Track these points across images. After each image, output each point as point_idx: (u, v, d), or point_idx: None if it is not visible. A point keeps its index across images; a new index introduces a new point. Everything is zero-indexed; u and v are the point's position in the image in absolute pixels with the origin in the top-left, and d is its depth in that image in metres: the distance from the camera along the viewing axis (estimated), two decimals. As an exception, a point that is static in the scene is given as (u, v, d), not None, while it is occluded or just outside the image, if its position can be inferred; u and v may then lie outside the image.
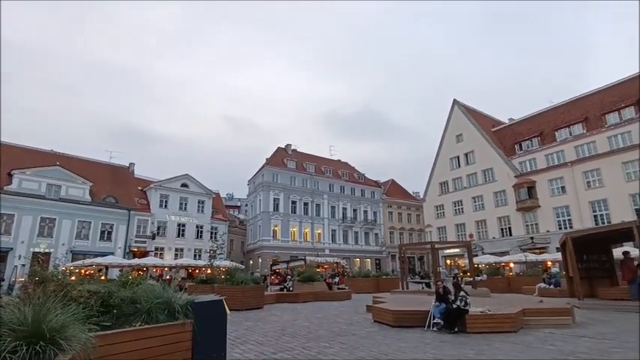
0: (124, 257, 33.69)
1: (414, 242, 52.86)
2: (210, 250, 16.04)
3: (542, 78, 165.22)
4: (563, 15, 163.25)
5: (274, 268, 32.43)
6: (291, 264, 29.45)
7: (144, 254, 35.94)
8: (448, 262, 42.36)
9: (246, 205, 60.29)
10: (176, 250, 41.04)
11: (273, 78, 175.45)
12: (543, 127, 40.42)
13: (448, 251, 41.05)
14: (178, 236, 41.85)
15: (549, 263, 28.18)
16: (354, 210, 53.84)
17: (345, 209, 52.86)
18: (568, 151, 36.21)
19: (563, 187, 35.50)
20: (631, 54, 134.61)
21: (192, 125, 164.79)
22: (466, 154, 45.47)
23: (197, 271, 28.04)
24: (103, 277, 20.70)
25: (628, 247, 15.86)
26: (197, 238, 43.06)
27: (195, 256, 40.35)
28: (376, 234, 54.82)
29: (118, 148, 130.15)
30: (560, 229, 33.22)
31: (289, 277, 21.73)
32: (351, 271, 36.86)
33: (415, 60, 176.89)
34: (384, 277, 26.04)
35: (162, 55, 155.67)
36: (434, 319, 8.36)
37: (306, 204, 49.77)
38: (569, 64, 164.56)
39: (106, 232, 36.81)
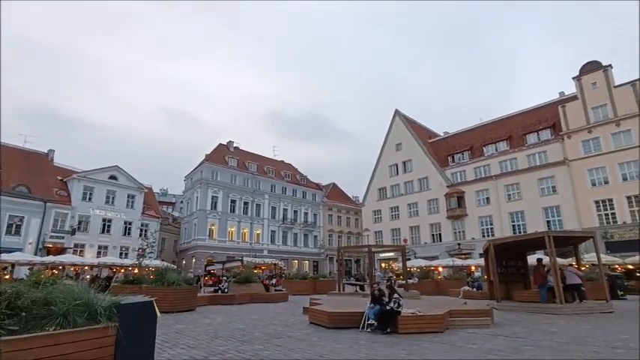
0: (35, 254, 30.26)
1: (352, 245, 54.24)
2: (140, 249, 14.99)
3: (476, 97, 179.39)
4: (493, 40, 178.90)
5: (209, 268, 31.27)
6: (228, 265, 28.59)
7: (61, 251, 32.64)
8: (383, 265, 44.01)
9: (182, 202, 57.51)
10: (99, 247, 37.82)
11: (218, 72, 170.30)
12: (473, 142, 43.77)
13: (384, 255, 42.67)
14: (103, 232, 38.62)
15: (473, 268, 30.45)
16: (295, 211, 53.85)
17: (285, 210, 52.66)
18: (493, 166, 39.60)
19: (488, 199, 38.71)
20: (549, 82, 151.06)
21: (127, 115, 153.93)
22: (404, 163, 47.76)
23: (123, 270, 26.06)
24: (7, 277, 18.38)
25: (540, 254, 17.65)
26: (125, 235, 40.10)
27: (121, 254, 37.51)
28: (315, 236, 55.32)
29: (35, 132, 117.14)
30: (484, 236, 36.22)
31: (225, 278, 21.04)
32: (289, 272, 36.75)
33: (362, 68, 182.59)
34: (321, 279, 26.26)
35: (96, 38, 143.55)
36: (368, 320, 8.53)
37: (246, 203, 48.71)
38: (498, 87, 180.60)
39: (15, 225, 32.62)
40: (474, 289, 19.58)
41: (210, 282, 26.99)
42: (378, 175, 50.72)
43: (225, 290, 16.91)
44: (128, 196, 41.44)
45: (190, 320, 10.43)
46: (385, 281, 21.55)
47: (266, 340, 7.49)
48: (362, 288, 20.98)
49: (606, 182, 31.67)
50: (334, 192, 62.15)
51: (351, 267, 53.90)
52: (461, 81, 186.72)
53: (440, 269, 33.23)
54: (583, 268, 16.21)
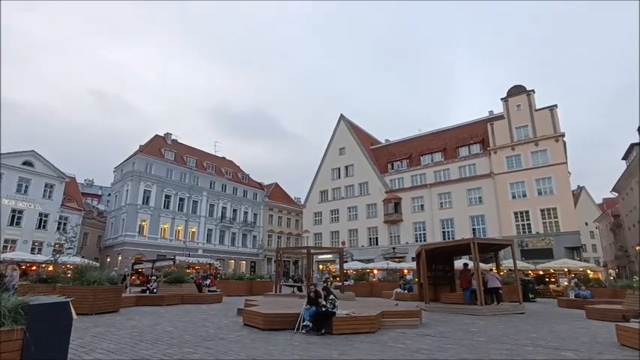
0: None
1: (291, 246, 54.16)
2: (56, 244, 13.53)
3: (416, 109, 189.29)
4: (434, 57, 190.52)
5: (137, 267, 29.33)
6: (158, 263, 27.03)
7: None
8: (321, 267, 44.51)
9: (110, 194, 53.27)
10: (6, 241, 33.69)
11: (159, 60, 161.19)
12: (412, 151, 46.05)
13: (322, 257, 43.17)
14: (11, 224, 34.52)
15: (406, 271, 31.95)
16: (235, 210, 52.50)
17: (224, 208, 51.12)
18: (429, 175, 41.98)
19: (422, 206, 40.90)
20: (481, 100, 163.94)
21: (48, 95, 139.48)
22: (347, 167, 48.85)
23: (34, 268, 23.44)
24: None
25: (466, 259, 18.97)
26: (39, 228, 36.23)
27: (34, 249, 33.79)
28: (254, 236, 54.37)
29: None
30: (417, 241, 38.18)
31: (154, 277, 19.81)
32: (224, 273, 35.67)
33: (311, 73, 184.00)
34: (258, 280, 25.81)
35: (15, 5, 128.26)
36: (303, 322, 8.50)
37: (182, 199, 46.43)
38: (437, 101, 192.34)
39: None
40: (406, 291, 20.49)
41: (138, 282, 25.35)
42: (320, 178, 51.33)
43: (154, 290, 15.89)
44: (46, 186, 37.49)
45: (112, 323, 9.61)
46: (322, 283, 21.80)
47: (196, 342, 7.13)
48: (299, 289, 20.96)
49: (524, 195, 35.06)
50: (276, 192, 61.68)
51: (289, 268, 53.79)
52: (404, 93, 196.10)
53: (375, 272, 34.37)
54: (502, 273, 17.71)
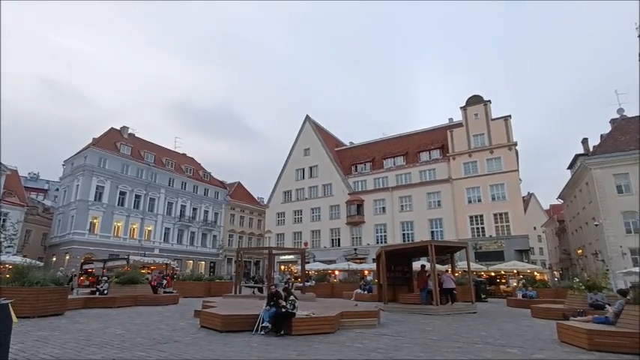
0: None
1: (252, 247, 53.45)
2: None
3: (381, 113, 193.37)
4: (399, 64, 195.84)
5: (86, 267, 27.80)
6: (110, 263, 25.77)
7: None
8: (282, 267, 44.26)
9: (58, 189, 49.95)
10: None
11: (118, 50, 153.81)
12: (375, 154, 46.95)
13: (284, 257, 42.94)
14: (-57, 220, 31.52)
15: (366, 272, 32.46)
16: (194, 209, 51.02)
17: (184, 207, 49.55)
18: (391, 178, 42.99)
19: (384, 208, 41.78)
20: (443, 107, 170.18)
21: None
22: (311, 168, 48.95)
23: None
24: None
25: (424, 261, 19.57)
26: (-25, 224, 33.24)
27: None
28: (215, 236, 53.11)
29: None
30: (378, 243, 38.94)
31: (104, 278, 18.81)
32: (182, 273, 34.58)
33: (278, 72, 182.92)
34: (217, 280, 25.21)
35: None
36: (263, 323, 8.41)
37: (138, 197, 44.44)
38: (400, 106, 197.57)
39: None
40: (365, 292, 20.82)
41: (87, 282, 23.98)
42: (284, 178, 51.07)
43: (105, 292, 15.09)
44: (-16, 178, 34.58)
45: (57, 326, 9.01)
46: (283, 283, 21.68)
47: (150, 346, 6.84)
48: (260, 290, 20.74)
49: (479, 200, 36.79)
50: (239, 191, 60.62)
51: (249, 269, 53.04)
52: (369, 97, 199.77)
53: (336, 273, 34.67)
54: (456, 274, 18.43)
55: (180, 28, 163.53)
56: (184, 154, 56.83)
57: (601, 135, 36.92)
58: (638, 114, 36.17)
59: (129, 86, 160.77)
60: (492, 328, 10.17)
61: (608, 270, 17.96)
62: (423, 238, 34.34)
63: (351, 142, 55.49)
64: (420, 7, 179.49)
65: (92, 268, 27.24)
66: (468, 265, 16.64)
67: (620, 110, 38.16)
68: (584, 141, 39.18)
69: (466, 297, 16.42)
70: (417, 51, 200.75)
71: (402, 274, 18.03)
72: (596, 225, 31.38)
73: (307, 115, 51.99)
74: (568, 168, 41.05)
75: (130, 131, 48.91)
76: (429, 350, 6.94)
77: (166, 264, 30.41)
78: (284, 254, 41.58)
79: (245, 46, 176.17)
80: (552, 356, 6.61)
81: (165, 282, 20.23)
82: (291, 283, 23.89)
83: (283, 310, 8.39)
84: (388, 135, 50.97)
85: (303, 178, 49.43)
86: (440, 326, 10.40)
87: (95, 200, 40.26)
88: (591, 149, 36.30)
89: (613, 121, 37.13)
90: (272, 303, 8.62)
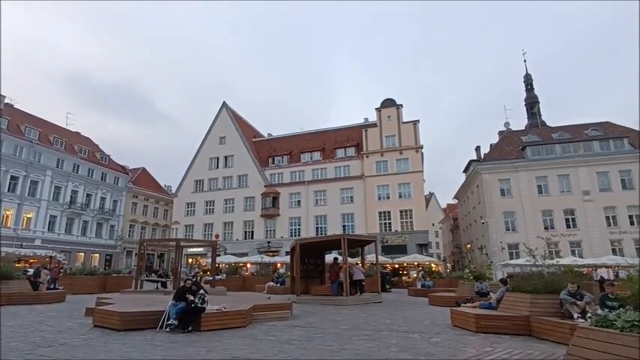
0: None
1: (157, 238, 49.66)
2: None
3: (300, 107, 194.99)
4: (320, 60, 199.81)
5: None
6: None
7: None
8: (190, 260, 42.08)
9: None
10: None
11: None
12: (293, 148, 47.13)
13: (192, 250, 40.81)
14: None
15: (279, 265, 32.48)
16: (89, 195, 45.36)
17: (75, 192, 43.65)
18: (307, 172, 43.60)
19: (299, 201, 42.22)
20: (360, 107, 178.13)
21: None
22: (226, 157, 47.22)
23: None
24: None
25: (335, 254, 20.21)
26: None
27: None
28: (112, 226, 48.01)
29: None
30: (292, 236, 39.22)
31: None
32: (70, 267, 30.62)
33: (193, 53, 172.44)
34: (114, 275, 22.85)
35: None
36: (168, 320, 7.79)
37: (14, 178, 37.81)
38: (319, 102, 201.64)
39: None
40: (278, 285, 20.80)
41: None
42: (196, 166, 48.36)
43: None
44: None
45: None
46: (191, 277, 20.50)
47: (29, 350, 5.82)
48: (164, 285, 19.42)
49: (388, 197, 39.33)
50: (143, 178, 55.54)
51: (153, 262, 49.26)
52: (289, 90, 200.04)
53: (249, 266, 34.07)
54: (365, 267, 19.39)
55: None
56: (78, 133, 50.07)
57: (491, 144, 42.30)
58: (522, 128, 42.33)
59: (6, 46, 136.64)
60: (396, 316, 10.89)
61: (491, 262, 20.54)
62: (335, 232, 35.53)
63: (270, 134, 54.90)
64: (344, 7, 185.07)
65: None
66: (377, 258, 17.65)
67: (507, 124, 44.29)
68: (477, 148, 44.42)
69: (373, 288, 17.39)
70: (339, 51, 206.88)
71: (314, 267, 18.38)
72: (483, 223, 35.92)
73: (224, 102, 49.90)
74: (463, 171, 46.14)
75: (6, 101, 41.47)
76: (340, 339, 7.13)
77: (50, 257, 26.64)
78: (193, 246, 39.49)
79: (160, 28, 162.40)
80: (446, 339, 7.26)
81: (48, 277, 17.52)
82: (199, 277, 22.77)
83: (192, 305, 7.89)
84: (306, 130, 51.58)
85: (217, 167, 47.42)
86: (349, 316, 10.81)
87: (-44, 180, 33.32)
88: (482, 156, 41.32)
89: (500, 133, 42.87)
90: (180, 298, 8.04)
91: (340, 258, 16.14)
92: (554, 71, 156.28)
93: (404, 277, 31.97)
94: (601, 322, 3.94)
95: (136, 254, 41.15)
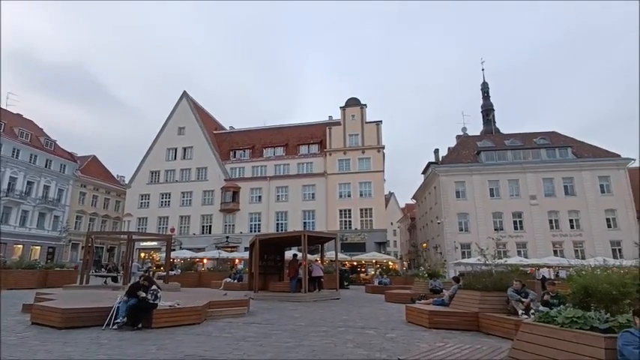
0: None
1: (107, 231, 47.04)
2: None
3: (265, 101, 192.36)
4: (288, 54, 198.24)
5: None
6: None
7: None
8: (143, 255, 40.26)
9: None
10: None
11: None
12: (255, 142, 46.38)
13: (145, 244, 39.02)
14: None
15: (237, 260, 31.90)
16: (30, 183, 41.97)
17: (14, 179, 40.19)
18: (269, 168, 43.10)
19: (260, 197, 41.65)
20: (325, 105, 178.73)
21: None
22: (185, 149, 45.57)
23: None
24: None
25: (295, 250, 20.15)
26: None
27: None
28: (57, 216, 44.82)
29: None
30: (251, 231, 38.58)
31: None
32: (5, 260, 28.26)
33: (155, 41, 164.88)
34: (57, 269, 21.31)
35: None
36: (117, 319, 7.38)
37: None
38: (284, 97, 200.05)
39: None
40: (236, 281, 20.43)
41: None
42: (153, 157, 46.18)
43: None
44: None
45: None
46: (143, 272, 19.64)
47: (-52, 352, 5.26)
48: (114, 280, 18.48)
49: (349, 196, 39.77)
50: (93, 166, 52.14)
51: (101, 256, 46.68)
52: (253, 83, 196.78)
53: (205, 261, 33.17)
54: (324, 264, 19.50)
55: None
56: (20, 115, 46.13)
57: (449, 148, 44.00)
58: (478, 134, 44.42)
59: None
60: (353, 313, 11.04)
61: (445, 261, 21.40)
62: (296, 229, 35.41)
63: (232, 127, 53.60)
64: (314, 6, 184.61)
65: None
66: (336, 255, 17.81)
67: (464, 129, 46.33)
68: (436, 151, 46.05)
69: (331, 284, 17.54)
70: (306, 48, 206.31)
71: (274, 263, 18.23)
72: (438, 223, 37.33)
73: (185, 92, 48.07)
74: (422, 173, 47.64)
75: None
76: (297, 336, 7.12)
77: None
78: (146, 240, 37.77)
79: (120, 12, 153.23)
80: (401, 335, 7.47)
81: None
82: (152, 272, 21.87)
83: (144, 301, 7.53)
84: (270, 124, 50.92)
85: (175, 158, 45.62)
86: (307, 312, 10.83)
87: None
88: (440, 159, 42.90)
89: (458, 137, 44.74)
90: (132, 294, 7.66)
91: (300, 254, 16.11)
92: (510, 81, 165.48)
93: (362, 275, 32.53)
94: (543, 318, 4.16)
95: (82, 247, 38.63)
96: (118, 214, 50.92)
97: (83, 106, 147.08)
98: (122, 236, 27.19)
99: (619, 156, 35.91)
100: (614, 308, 4.13)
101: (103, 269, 22.01)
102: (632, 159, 35.43)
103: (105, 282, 18.56)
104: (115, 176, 55.93)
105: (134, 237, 20.13)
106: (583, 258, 27.56)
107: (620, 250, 32.62)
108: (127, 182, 48.51)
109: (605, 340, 3.28)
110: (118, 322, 7.30)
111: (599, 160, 35.93)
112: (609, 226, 34.20)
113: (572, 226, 34.67)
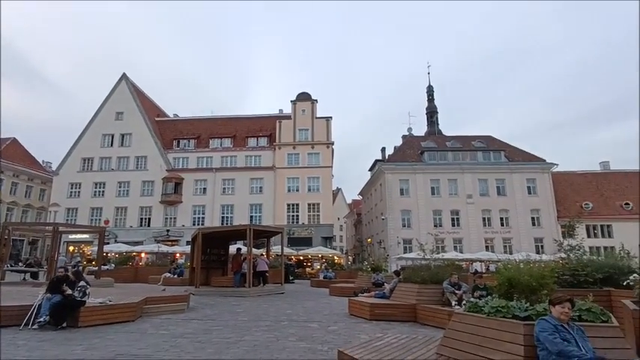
0: None
1: (29, 222, 42.70)
2: None
3: (213, 89, 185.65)
4: (239, 42, 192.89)
5: None
6: None
7: None
8: (72, 248, 37.20)
9: None
10: None
11: None
12: (202, 132, 44.64)
13: (74, 236, 36.06)
14: None
15: (178, 255, 30.59)
16: (-62, 167, 37.07)
17: None
18: (216, 159, 41.74)
19: (205, 189, 40.22)
20: (276, 98, 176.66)
21: None
22: (123, 135, 42.60)
23: None
24: None
25: (240, 244, 19.76)
26: None
27: None
28: (-31, 205, 39.95)
29: None
30: (194, 224, 37.14)
31: None
32: None
33: (91, 17, 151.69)
34: (-35, 263, 19.00)
35: None
36: (39, 317, 6.73)
37: None
38: (234, 87, 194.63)
39: None
40: (175, 276, 19.64)
41: None
42: (85, 142, 42.50)
43: None
44: None
45: None
46: (71, 267, 18.19)
47: None
48: (34, 276, 16.87)
49: (297, 190, 39.78)
50: (13, 150, 46.61)
51: (21, 249, 42.33)
52: (201, 69, 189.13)
53: (143, 255, 31.41)
54: (270, 258, 19.37)
55: None
56: None
57: (395, 146, 45.68)
58: (422, 134, 46.55)
59: None
60: (297, 307, 11.09)
61: (387, 256, 22.21)
62: (242, 222, 34.60)
63: (176, 115, 51.04)
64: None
65: None
66: (282, 249, 17.76)
67: (410, 129, 48.40)
68: (383, 149, 47.68)
69: (276, 279, 17.47)
70: (259, 40, 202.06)
71: (217, 257, 17.78)
72: (383, 219, 38.69)
73: (124, 74, 44.81)
74: (369, 170, 48.99)
75: None
76: (239, 331, 7.00)
77: None
78: (76, 233, 34.87)
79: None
80: (343, 327, 7.64)
81: None
82: (81, 267, 20.30)
83: (70, 298, 6.94)
84: (218, 114, 49.25)
85: (112, 145, 42.49)
86: (250, 307, 10.69)
87: None
88: (387, 157, 44.41)
89: (404, 137, 46.61)
90: (55, 290, 7.02)
91: (245, 249, 15.83)
92: (453, 86, 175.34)
93: (307, 269, 32.80)
94: (472, 308, 4.46)
95: None
96: (43, 203, 46.38)
97: (8, 80, 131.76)
98: (47, 228, 24.90)
99: (544, 161, 39.65)
100: (533, 298, 4.51)
101: (21, 264, 20.02)
102: (556, 164, 39.16)
103: (24, 278, 16.89)
104: (41, 162, 50.77)
105: (61, 229, 18.49)
106: (511, 253, 29.99)
107: (542, 247, 35.97)
108: (54, 169, 44.33)
109: (524, 327, 3.57)
110: (40, 322, 6.66)
111: (528, 163, 39.45)
112: (534, 224, 37.71)
113: (502, 224, 37.74)
